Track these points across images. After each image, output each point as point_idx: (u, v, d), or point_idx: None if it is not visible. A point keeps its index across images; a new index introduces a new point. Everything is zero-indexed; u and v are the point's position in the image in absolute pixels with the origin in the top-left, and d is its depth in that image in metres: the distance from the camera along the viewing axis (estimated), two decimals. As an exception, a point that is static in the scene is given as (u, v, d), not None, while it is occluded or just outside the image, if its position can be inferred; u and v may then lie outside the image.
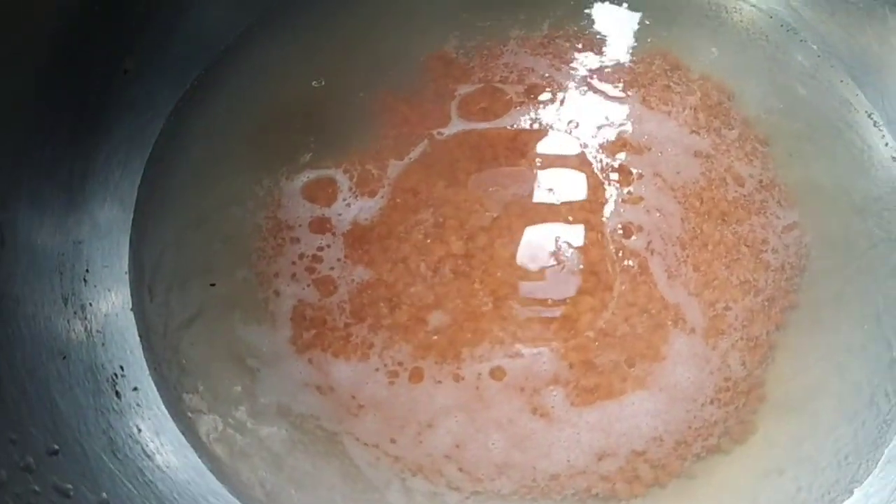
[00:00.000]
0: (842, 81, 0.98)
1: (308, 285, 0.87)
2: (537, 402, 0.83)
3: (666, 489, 0.82)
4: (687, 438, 0.83)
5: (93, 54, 0.85)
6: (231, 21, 0.99)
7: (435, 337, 0.85)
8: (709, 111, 0.96)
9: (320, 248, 0.89)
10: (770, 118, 0.96)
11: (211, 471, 0.82)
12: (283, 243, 0.89)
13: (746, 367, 0.85)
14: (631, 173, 0.92)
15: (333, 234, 0.89)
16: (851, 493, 0.81)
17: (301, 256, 0.89)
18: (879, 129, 0.96)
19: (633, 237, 0.90)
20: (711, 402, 0.84)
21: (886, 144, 0.95)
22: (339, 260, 0.88)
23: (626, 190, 0.92)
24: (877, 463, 0.82)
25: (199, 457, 0.82)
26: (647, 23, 1.01)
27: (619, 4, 1.02)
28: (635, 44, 1.00)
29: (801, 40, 1.00)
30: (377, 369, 0.84)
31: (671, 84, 0.97)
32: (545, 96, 0.96)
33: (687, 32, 1.00)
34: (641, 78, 0.97)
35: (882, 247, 0.90)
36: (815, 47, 1.00)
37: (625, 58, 0.99)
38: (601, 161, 0.93)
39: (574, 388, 0.83)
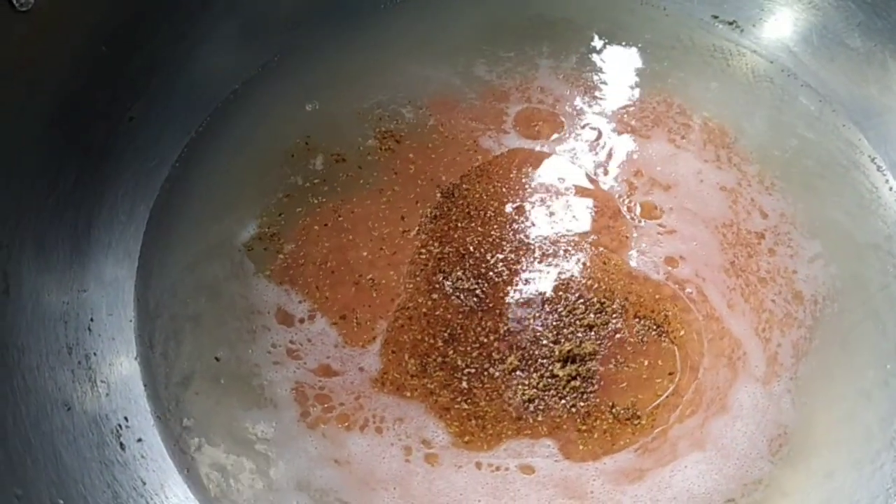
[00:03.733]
0: (844, 125, 0.99)
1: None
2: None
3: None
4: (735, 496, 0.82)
5: (98, 102, 0.86)
6: (234, 69, 1.00)
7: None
8: (728, 149, 0.98)
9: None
10: (784, 156, 0.97)
11: (218, 524, 0.80)
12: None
13: (797, 408, 0.85)
14: (659, 207, 0.94)
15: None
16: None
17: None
18: (883, 174, 0.96)
19: (679, 266, 0.91)
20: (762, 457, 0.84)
21: (891, 189, 0.96)
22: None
23: (657, 222, 0.93)
24: (894, 507, 0.82)
25: (206, 510, 0.81)
26: (657, 66, 1.03)
27: (630, 47, 1.04)
28: (649, 84, 1.02)
29: (803, 85, 1.02)
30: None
31: (689, 123, 0.99)
32: (571, 128, 0.99)
33: (694, 76, 1.02)
34: (663, 116, 1.00)
35: (894, 286, 0.91)
36: (817, 92, 1.01)
37: (643, 95, 1.01)
38: (630, 195, 0.95)
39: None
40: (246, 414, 0.84)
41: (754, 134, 0.99)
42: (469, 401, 0.84)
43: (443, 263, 0.91)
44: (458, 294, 0.89)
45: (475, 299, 0.89)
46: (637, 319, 0.88)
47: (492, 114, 0.99)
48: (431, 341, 0.87)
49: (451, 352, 0.86)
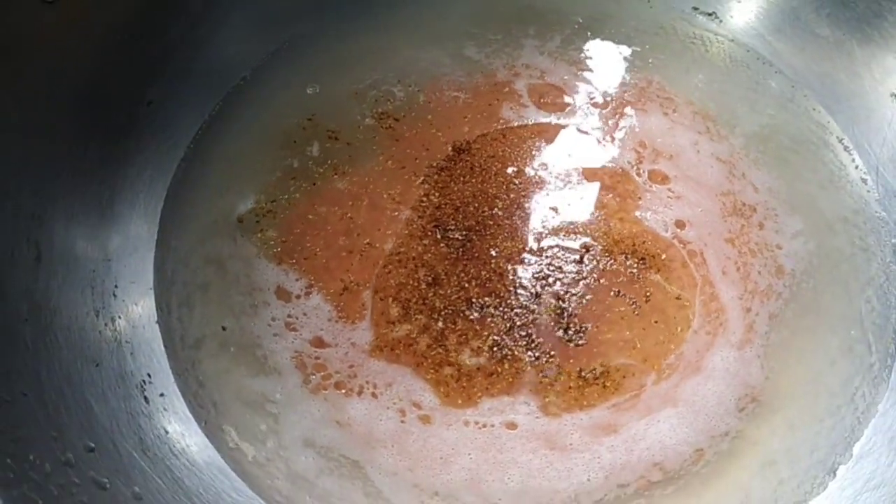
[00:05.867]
0: (814, 109, 1.06)
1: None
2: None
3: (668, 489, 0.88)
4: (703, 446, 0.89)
5: (119, 87, 0.92)
6: (247, 54, 1.07)
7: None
8: (714, 122, 1.05)
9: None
10: (762, 131, 1.04)
11: (234, 470, 0.87)
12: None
13: (765, 372, 0.92)
14: (667, 174, 1.01)
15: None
16: (826, 486, 0.87)
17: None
18: (850, 153, 1.03)
19: (687, 229, 0.98)
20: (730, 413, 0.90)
21: (857, 167, 1.02)
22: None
23: (666, 187, 1.00)
24: (851, 457, 0.88)
25: (223, 458, 0.87)
26: (639, 49, 1.10)
27: (613, 33, 1.11)
28: (630, 63, 1.09)
29: (777, 71, 1.08)
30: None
31: (673, 98, 1.06)
32: (568, 99, 1.06)
33: (674, 60, 1.09)
34: (647, 92, 1.07)
35: (859, 257, 0.98)
36: (789, 78, 1.08)
37: (625, 74, 1.08)
38: (639, 164, 1.02)
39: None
40: (254, 380, 0.90)
41: (732, 113, 1.06)
42: (442, 346, 0.91)
43: (439, 213, 0.97)
44: (446, 242, 0.96)
45: (462, 248, 0.95)
46: (638, 272, 0.95)
47: (482, 90, 1.05)
48: (415, 284, 0.94)
49: (431, 294, 0.93)
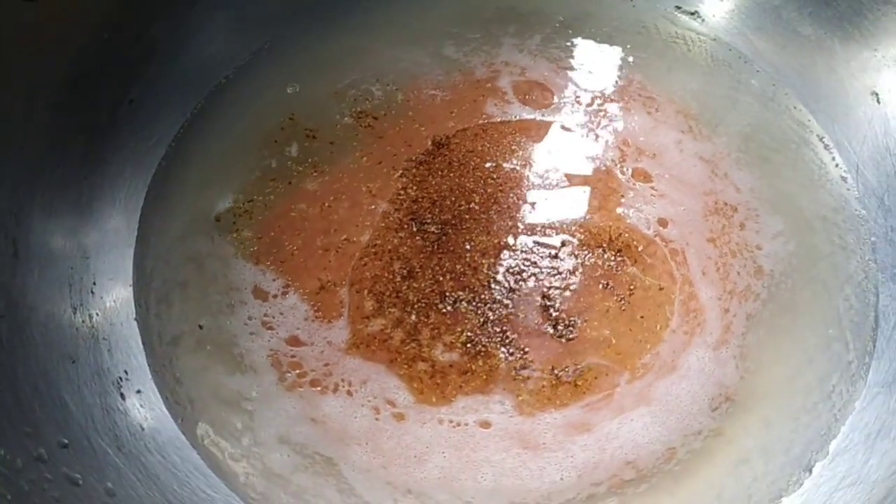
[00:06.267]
0: (795, 107, 1.06)
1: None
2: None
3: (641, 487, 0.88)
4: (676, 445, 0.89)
5: (101, 86, 0.92)
6: (227, 56, 1.07)
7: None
8: (696, 120, 1.05)
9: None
10: (743, 130, 1.05)
11: (209, 467, 0.87)
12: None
13: (740, 372, 0.92)
14: (650, 173, 1.01)
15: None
16: (801, 483, 0.87)
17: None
18: (830, 151, 1.03)
19: (669, 227, 0.98)
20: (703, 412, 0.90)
21: (837, 165, 1.02)
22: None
23: (650, 185, 1.00)
24: (827, 454, 0.88)
25: (199, 454, 0.88)
26: (620, 48, 1.10)
27: (595, 31, 1.11)
28: (612, 62, 1.09)
29: (758, 70, 1.08)
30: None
31: (654, 97, 1.06)
32: (551, 97, 1.06)
33: (656, 59, 1.10)
34: (628, 90, 1.07)
35: (838, 255, 0.97)
36: (771, 76, 1.08)
37: (606, 71, 1.08)
38: (622, 162, 1.02)
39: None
40: (230, 378, 0.91)
41: (714, 112, 1.06)
42: (415, 340, 0.91)
43: (416, 206, 0.98)
44: (421, 235, 0.96)
45: (437, 241, 0.95)
46: (615, 267, 0.95)
47: (461, 87, 1.06)
48: (390, 276, 0.94)
49: (405, 287, 0.93)
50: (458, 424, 0.88)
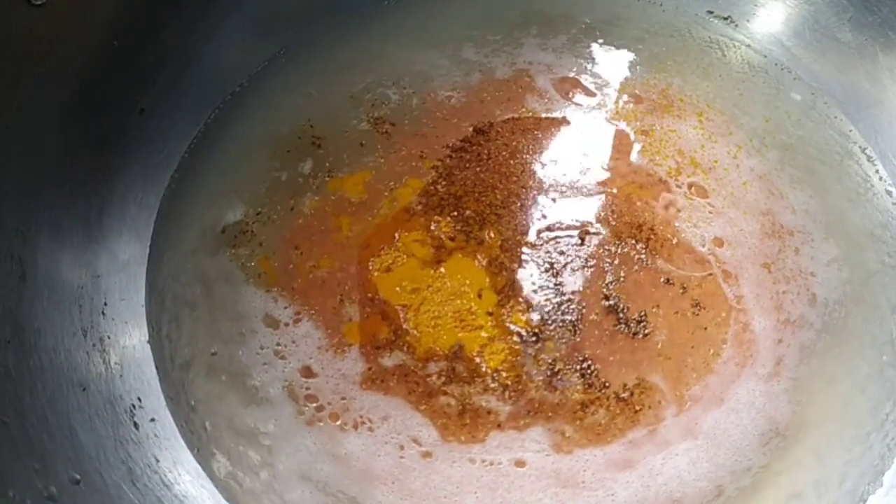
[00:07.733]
0: (836, 117, 1.02)
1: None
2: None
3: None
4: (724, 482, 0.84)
5: (110, 94, 0.88)
6: (242, 63, 1.03)
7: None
8: (745, 131, 1.00)
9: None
10: (790, 141, 1.00)
11: (227, 500, 0.83)
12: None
13: (791, 406, 0.87)
14: (707, 188, 0.97)
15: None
16: (857, 515, 0.83)
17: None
18: (873, 164, 0.99)
19: (725, 248, 0.93)
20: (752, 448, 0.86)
21: (881, 178, 0.98)
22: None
23: (707, 201, 0.96)
24: (881, 486, 0.84)
25: (216, 488, 0.83)
26: (655, 50, 1.06)
27: (625, 34, 1.06)
28: (646, 65, 1.05)
29: (796, 78, 1.04)
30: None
31: (697, 104, 1.02)
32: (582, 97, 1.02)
33: (692, 64, 1.05)
34: (666, 96, 1.03)
35: (888, 274, 0.93)
36: (809, 85, 1.04)
37: (642, 75, 1.04)
38: (678, 175, 0.97)
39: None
40: (246, 410, 0.86)
41: (756, 122, 1.01)
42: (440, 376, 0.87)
43: (444, 202, 0.94)
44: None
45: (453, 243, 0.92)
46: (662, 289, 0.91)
47: (479, 88, 1.02)
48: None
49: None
50: (491, 463, 0.84)
